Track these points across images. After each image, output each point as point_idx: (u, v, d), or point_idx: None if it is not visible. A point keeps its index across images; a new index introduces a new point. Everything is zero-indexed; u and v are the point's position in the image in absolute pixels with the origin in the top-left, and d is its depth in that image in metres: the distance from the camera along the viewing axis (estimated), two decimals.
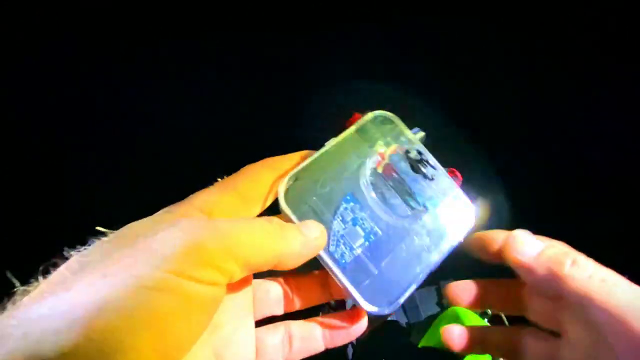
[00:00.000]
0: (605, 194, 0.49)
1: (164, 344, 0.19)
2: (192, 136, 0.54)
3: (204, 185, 0.29)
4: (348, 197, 0.30)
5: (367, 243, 0.29)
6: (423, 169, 0.31)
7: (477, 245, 0.30)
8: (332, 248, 0.28)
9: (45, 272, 0.21)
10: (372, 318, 0.29)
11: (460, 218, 0.31)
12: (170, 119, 0.54)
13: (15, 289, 0.20)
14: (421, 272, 0.29)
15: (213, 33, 0.52)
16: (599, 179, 0.49)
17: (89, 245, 0.22)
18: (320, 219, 0.29)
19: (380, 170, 0.31)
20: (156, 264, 0.19)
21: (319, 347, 0.29)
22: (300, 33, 0.52)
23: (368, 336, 0.29)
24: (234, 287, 0.25)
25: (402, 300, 0.29)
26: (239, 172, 0.28)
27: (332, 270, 0.28)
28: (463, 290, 0.31)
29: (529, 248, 0.27)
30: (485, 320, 0.45)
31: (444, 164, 0.32)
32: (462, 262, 0.31)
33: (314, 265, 0.28)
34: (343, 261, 0.29)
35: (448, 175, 0.31)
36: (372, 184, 0.30)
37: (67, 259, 0.22)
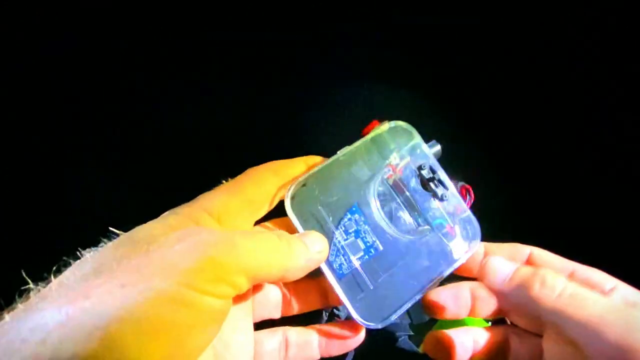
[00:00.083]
0: (608, 197, 0.49)
1: (176, 354, 0.20)
2: (192, 135, 0.54)
3: (204, 184, 0.29)
4: (354, 208, 0.29)
5: (366, 257, 0.29)
6: (434, 188, 0.30)
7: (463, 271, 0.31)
8: (331, 258, 0.29)
9: (57, 271, 0.21)
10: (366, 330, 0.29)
11: (464, 241, 0.30)
12: (170, 118, 0.54)
13: (26, 287, 0.20)
14: (418, 291, 0.29)
15: (213, 33, 0.52)
16: (601, 181, 0.49)
17: (101, 246, 0.22)
18: (323, 227, 0.29)
19: (390, 182, 0.31)
20: (174, 277, 0.20)
21: (314, 355, 0.30)
22: (301, 33, 0.52)
23: (369, 338, 0.29)
24: None
25: (394, 317, 0.28)
26: (243, 174, 0.28)
27: (329, 281, 0.28)
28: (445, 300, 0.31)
29: (499, 275, 0.27)
30: (489, 323, 0.45)
31: (457, 176, 0.31)
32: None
33: (313, 271, 0.28)
34: (340, 272, 0.29)
35: (459, 196, 0.31)
36: (380, 197, 0.30)
37: (78, 258, 0.22)
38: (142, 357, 0.18)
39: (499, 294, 0.27)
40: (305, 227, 0.28)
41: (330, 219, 0.29)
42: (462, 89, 0.52)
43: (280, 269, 0.24)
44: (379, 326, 0.28)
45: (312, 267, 0.26)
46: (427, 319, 0.54)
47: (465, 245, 0.30)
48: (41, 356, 0.17)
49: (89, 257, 0.21)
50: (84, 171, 0.52)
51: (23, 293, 0.20)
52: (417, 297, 0.29)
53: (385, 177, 0.31)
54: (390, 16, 0.52)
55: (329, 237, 0.29)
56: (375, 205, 0.30)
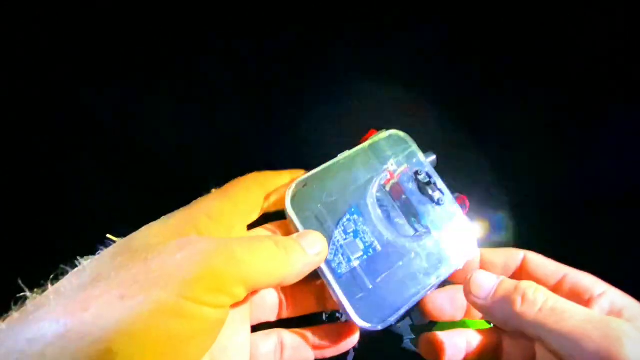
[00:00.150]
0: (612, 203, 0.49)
1: None
2: (192, 136, 0.54)
3: (204, 184, 0.29)
4: (353, 209, 0.30)
5: (365, 257, 0.29)
6: (431, 192, 0.31)
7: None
8: (330, 257, 0.29)
9: (55, 279, 0.21)
10: (365, 332, 0.29)
11: (461, 245, 0.30)
12: (170, 118, 0.54)
13: (22, 295, 0.20)
14: (415, 294, 0.29)
15: (213, 33, 0.52)
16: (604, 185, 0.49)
17: (98, 253, 0.22)
18: (322, 226, 0.29)
19: (388, 188, 0.31)
20: (173, 288, 0.20)
21: (309, 356, 0.30)
22: (301, 33, 0.52)
23: (370, 339, 0.29)
24: None
25: (393, 319, 0.29)
26: (231, 182, 0.28)
27: (327, 279, 0.28)
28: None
29: (483, 290, 0.27)
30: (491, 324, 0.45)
31: (457, 176, 0.32)
32: None
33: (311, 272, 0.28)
34: (339, 271, 0.29)
35: (455, 201, 0.31)
36: (378, 200, 0.31)
37: (75, 265, 0.22)
38: None
39: (484, 309, 0.28)
40: (305, 226, 0.29)
41: (330, 218, 0.29)
42: (462, 89, 0.52)
43: (278, 276, 0.24)
44: (378, 327, 0.28)
45: (311, 270, 0.26)
46: (428, 320, 0.54)
47: (462, 251, 0.31)
48: None
49: (87, 265, 0.21)
50: (84, 171, 0.52)
51: (19, 301, 0.20)
52: (415, 300, 0.29)
53: (383, 182, 0.31)
54: (390, 16, 0.52)
55: (328, 236, 0.29)
56: (373, 208, 0.30)
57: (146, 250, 0.21)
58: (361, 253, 0.29)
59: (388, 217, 0.30)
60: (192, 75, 0.53)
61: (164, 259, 0.21)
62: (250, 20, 0.52)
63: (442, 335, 0.32)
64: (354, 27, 0.53)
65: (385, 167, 0.31)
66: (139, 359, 0.18)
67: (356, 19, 0.52)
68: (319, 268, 0.28)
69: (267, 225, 0.29)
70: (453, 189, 0.32)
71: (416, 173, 0.31)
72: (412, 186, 0.31)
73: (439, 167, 0.32)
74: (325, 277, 0.28)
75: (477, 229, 0.31)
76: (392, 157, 0.31)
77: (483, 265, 0.31)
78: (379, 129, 0.32)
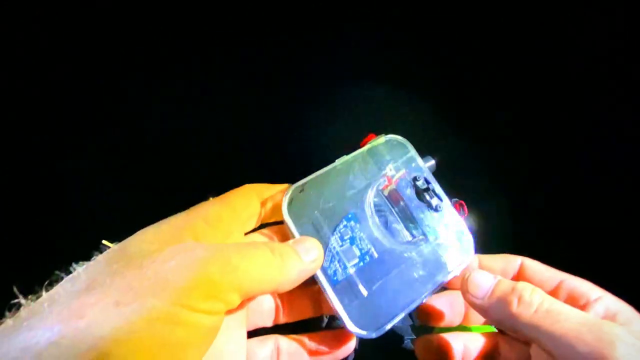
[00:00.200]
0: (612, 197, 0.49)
1: None
2: (192, 136, 0.54)
3: (203, 184, 0.29)
4: (350, 216, 0.30)
5: (361, 263, 0.29)
6: (429, 199, 0.30)
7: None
8: (326, 264, 0.28)
9: (49, 285, 0.21)
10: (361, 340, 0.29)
11: (458, 253, 0.30)
12: (170, 118, 0.54)
13: (16, 301, 0.20)
14: (412, 301, 0.29)
15: (214, 33, 0.52)
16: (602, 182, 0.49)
17: (93, 259, 0.22)
18: (319, 233, 0.29)
19: (386, 193, 0.31)
20: (167, 296, 0.20)
21: None
22: (301, 33, 0.52)
23: (371, 339, 0.29)
24: None
25: (388, 327, 0.28)
26: (229, 192, 0.28)
27: (322, 286, 0.28)
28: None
29: (480, 290, 0.28)
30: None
31: (456, 176, 0.32)
32: None
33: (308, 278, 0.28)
34: (335, 278, 0.28)
35: (454, 207, 0.31)
36: (375, 206, 0.30)
37: (69, 271, 0.21)
38: None
39: (480, 309, 0.28)
40: (301, 232, 0.28)
41: (326, 225, 0.29)
42: (462, 89, 0.52)
43: (273, 284, 0.24)
44: (373, 335, 0.28)
45: (307, 277, 0.26)
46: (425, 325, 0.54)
47: (459, 257, 0.30)
48: None
49: (81, 272, 0.21)
50: (84, 171, 0.52)
51: (13, 307, 0.20)
52: (412, 307, 0.29)
53: (381, 187, 0.31)
54: (390, 16, 0.52)
55: (325, 242, 0.28)
56: (371, 214, 0.30)
57: (141, 257, 0.21)
58: (357, 260, 0.29)
59: (385, 224, 0.30)
60: (192, 77, 0.53)
61: (159, 266, 0.21)
62: (250, 25, 0.52)
63: (438, 338, 0.32)
64: (354, 28, 0.53)
65: (383, 172, 0.31)
66: None
67: (356, 20, 0.52)
68: (315, 274, 0.28)
69: (264, 230, 0.29)
70: (451, 194, 0.31)
71: (414, 179, 0.31)
72: (410, 192, 0.31)
73: (437, 172, 0.32)
74: (320, 283, 0.28)
75: (479, 226, 0.31)
76: (391, 162, 0.31)
77: None
78: (378, 133, 0.32)
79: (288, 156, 0.53)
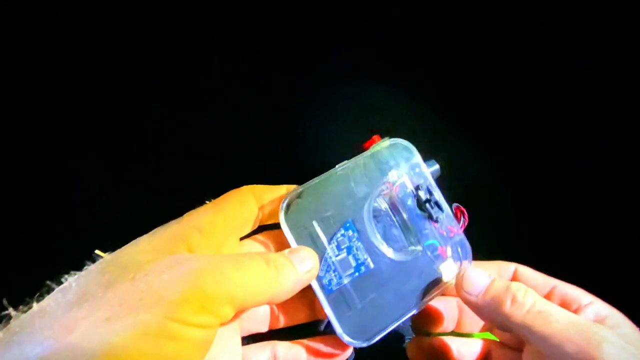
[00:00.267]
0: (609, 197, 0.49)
1: None
2: (192, 136, 0.54)
3: (203, 184, 0.29)
4: (348, 224, 0.29)
5: (356, 274, 0.29)
6: (429, 209, 0.30)
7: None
8: (321, 273, 0.28)
9: (40, 297, 0.20)
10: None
11: (455, 264, 0.30)
12: (170, 118, 0.54)
13: (6, 313, 0.20)
14: (405, 313, 0.29)
15: (214, 33, 0.52)
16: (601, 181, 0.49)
17: (85, 268, 0.22)
18: (315, 242, 0.28)
19: (386, 202, 0.30)
20: (159, 309, 0.19)
21: None
22: (301, 33, 0.52)
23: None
24: None
25: (379, 337, 0.28)
26: (225, 195, 0.28)
27: (317, 295, 0.28)
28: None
29: (474, 287, 0.28)
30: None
31: (455, 177, 0.31)
32: None
33: None
34: (329, 287, 0.28)
35: (454, 218, 0.31)
36: (375, 215, 0.30)
37: (61, 282, 0.21)
38: None
39: (474, 306, 0.28)
40: (298, 240, 0.28)
41: (323, 233, 0.28)
42: (462, 89, 0.52)
43: (267, 295, 0.24)
44: (364, 345, 0.28)
45: (301, 287, 0.26)
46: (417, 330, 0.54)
47: (455, 268, 0.30)
48: None
49: (73, 283, 0.21)
50: (84, 171, 0.52)
51: (3, 319, 0.20)
52: (405, 318, 0.29)
53: (382, 194, 0.30)
54: (390, 16, 0.52)
55: (321, 251, 0.28)
56: (369, 223, 0.30)
57: (134, 268, 0.21)
58: (352, 270, 0.29)
59: (384, 234, 0.30)
60: (192, 77, 0.53)
61: (151, 279, 0.20)
62: (251, 25, 0.52)
63: (430, 340, 0.33)
64: (354, 28, 0.53)
65: (385, 179, 0.30)
66: None
67: (356, 20, 0.52)
68: (310, 283, 0.28)
69: (260, 237, 0.29)
70: (451, 195, 0.31)
71: (417, 188, 0.30)
72: (411, 202, 0.30)
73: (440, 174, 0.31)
74: (315, 291, 0.28)
75: (478, 227, 0.31)
76: (394, 167, 0.31)
77: None
78: (380, 134, 0.32)
79: (288, 156, 0.53)
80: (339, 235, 0.29)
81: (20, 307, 0.20)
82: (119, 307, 0.19)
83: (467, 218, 0.30)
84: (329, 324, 0.38)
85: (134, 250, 0.23)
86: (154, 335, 0.19)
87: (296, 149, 0.53)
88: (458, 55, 0.52)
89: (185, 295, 0.20)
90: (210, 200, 0.27)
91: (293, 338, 0.30)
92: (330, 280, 0.28)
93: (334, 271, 0.28)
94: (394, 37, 0.52)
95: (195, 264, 0.21)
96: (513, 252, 0.33)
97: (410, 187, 0.30)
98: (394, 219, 0.30)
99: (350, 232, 0.29)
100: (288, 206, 0.28)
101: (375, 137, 0.31)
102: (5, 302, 0.20)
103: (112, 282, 0.20)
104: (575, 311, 0.28)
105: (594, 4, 0.47)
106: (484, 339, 0.34)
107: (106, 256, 0.23)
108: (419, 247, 0.30)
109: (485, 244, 0.33)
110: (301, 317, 0.31)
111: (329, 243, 0.29)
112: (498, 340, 0.33)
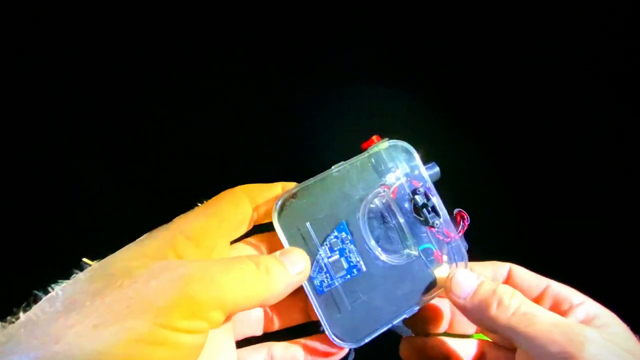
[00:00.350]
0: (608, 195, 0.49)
1: None
2: (192, 135, 0.54)
3: (203, 184, 0.29)
4: (341, 226, 0.29)
5: (348, 276, 0.29)
6: (426, 214, 0.29)
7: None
8: (313, 274, 0.28)
9: (27, 306, 0.20)
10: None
11: (450, 269, 0.30)
12: (170, 118, 0.54)
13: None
14: (396, 316, 0.29)
15: (214, 33, 0.52)
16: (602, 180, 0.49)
17: (73, 277, 0.22)
18: (308, 243, 0.28)
19: (382, 204, 0.30)
20: (148, 316, 0.19)
21: None
22: (301, 33, 0.52)
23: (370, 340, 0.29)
24: None
25: (369, 339, 0.29)
26: (218, 196, 0.27)
27: (308, 295, 0.28)
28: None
29: (462, 290, 0.29)
30: None
31: (455, 177, 0.31)
32: None
33: None
34: (320, 289, 0.28)
35: (451, 223, 0.30)
36: (369, 218, 0.29)
37: (48, 291, 0.21)
38: None
39: (462, 308, 0.29)
40: (290, 241, 0.28)
41: (316, 235, 0.28)
42: (462, 90, 0.52)
43: (259, 299, 0.24)
44: (353, 346, 0.28)
45: (293, 289, 0.26)
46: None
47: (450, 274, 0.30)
48: None
49: (60, 292, 0.21)
50: (84, 171, 0.52)
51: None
52: (396, 322, 0.29)
53: (378, 197, 0.30)
54: (390, 17, 0.52)
55: (313, 253, 0.28)
56: (364, 226, 0.29)
57: (122, 276, 0.21)
58: (344, 272, 0.29)
59: (378, 236, 0.29)
60: (192, 77, 0.53)
61: (140, 286, 0.20)
62: (251, 25, 0.52)
63: (424, 340, 0.33)
64: (354, 28, 0.53)
65: (382, 181, 0.30)
66: None
67: (356, 20, 0.52)
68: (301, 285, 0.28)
69: (251, 239, 0.29)
70: (451, 195, 0.31)
71: (414, 192, 0.30)
72: (407, 205, 0.30)
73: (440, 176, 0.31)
74: (306, 292, 0.28)
75: (478, 227, 0.31)
76: (392, 170, 0.30)
77: None
78: (379, 134, 0.31)
79: (288, 156, 0.53)
80: (332, 237, 0.29)
81: (8, 317, 0.20)
82: (107, 314, 0.19)
83: (467, 224, 0.30)
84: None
85: (122, 257, 0.23)
86: (143, 341, 0.19)
87: (296, 149, 0.53)
88: (458, 55, 0.52)
89: (174, 302, 0.20)
90: (202, 202, 0.27)
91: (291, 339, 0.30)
92: (321, 282, 0.28)
93: (326, 273, 0.28)
94: (394, 37, 0.52)
95: (184, 270, 0.21)
96: (511, 252, 0.33)
97: (407, 191, 0.30)
98: (390, 223, 0.30)
99: (343, 234, 0.29)
100: (282, 207, 0.28)
101: (374, 137, 0.31)
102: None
103: (99, 290, 0.20)
104: (567, 311, 0.29)
105: (594, 4, 0.47)
106: (479, 340, 0.34)
107: (94, 264, 0.22)
108: (414, 251, 0.30)
109: (484, 244, 0.33)
110: (295, 319, 0.31)
111: (322, 245, 0.28)
112: (491, 341, 0.34)
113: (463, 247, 0.30)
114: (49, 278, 0.22)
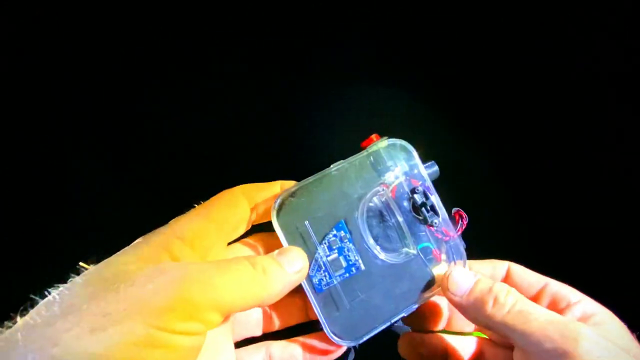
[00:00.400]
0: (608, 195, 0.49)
1: None
2: (192, 136, 0.54)
3: (203, 184, 0.29)
4: (340, 225, 0.29)
5: (347, 275, 0.29)
6: (425, 213, 0.30)
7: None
8: (311, 272, 0.28)
9: (24, 311, 0.20)
10: None
11: (449, 268, 0.30)
12: (170, 118, 0.54)
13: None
14: (394, 315, 0.29)
15: (214, 33, 0.52)
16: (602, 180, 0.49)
17: (70, 281, 0.22)
18: (306, 242, 0.28)
19: (381, 203, 0.30)
20: (144, 319, 0.19)
21: None
22: (301, 33, 0.52)
23: (370, 338, 0.29)
24: None
25: (366, 338, 0.29)
26: (215, 197, 0.27)
27: (306, 293, 0.28)
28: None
29: (459, 288, 0.29)
30: None
31: (455, 177, 0.31)
32: None
33: None
34: (319, 287, 0.28)
35: (450, 222, 0.30)
36: (368, 217, 0.30)
37: (44, 295, 0.21)
38: None
39: (459, 306, 0.29)
40: (289, 240, 0.28)
41: (315, 233, 0.28)
42: (462, 90, 0.52)
43: (256, 299, 0.24)
44: (352, 345, 0.29)
45: (290, 289, 0.26)
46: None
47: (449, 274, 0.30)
48: None
49: (57, 296, 0.21)
50: (84, 171, 0.52)
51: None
52: (394, 320, 0.29)
53: (377, 196, 0.30)
54: (390, 16, 0.52)
55: (311, 252, 0.28)
56: (362, 224, 0.29)
57: (118, 280, 0.21)
58: (343, 271, 0.29)
59: (377, 235, 0.30)
60: (192, 77, 0.53)
61: (136, 289, 0.20)
62: (250, 25, 0.52)
63: (422, 336, 0.33)
64: (354, 28, 0.53)
65: (381, 179, 0.30)
66: None
67: (356, 20, 0.52)
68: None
69: (248, 240, 0.29)
70: (450, 194, 0.31)
71: (412, 191, 0.30)
72: (406, 204, 0.30)
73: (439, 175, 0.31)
74: (305, 290, 0.28)
75: (477, 226, 0.31)
76: (391, 169, 0.30)
77: None
78: (379, 133, 0.31)
79: (288, 156, 0.53)
80: (330, 235, 0.29)
81: (5, 322, 0.20)
82: (103, 317, 0.19)
83: (465, 223, 0.30)
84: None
85: (118, 261, 0.23)
86: (140, 344, 0.19)
87: (296, 149, 0.53)
88: (458, 55, 0.52)
89: (170, 304, 0.20)
90: (199, 204, 0.27)
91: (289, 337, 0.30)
92: (320, 280, 0.28)
93: (325, 271, 0.29)
94: (394, 37, 0.53)
95: (180, 272, 0.21)
96: (511, 252, 0.33)
97: (406, 190, 0.30)
98: (389, 222, 0.30)
99: (342, 233, 0.29)
100: (281, 206, 0.28)
101: (373, 136, 0.31)
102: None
103: (96, 293, 0.20)
104: (564, 309, 0.29)
105: (594, 4, 0.47)
106: (478, 337, 0.34)
107: (90, 268, 0.22)
108: (413, 250, 0.30)
109: (483, 244, 0.33)
110: (294, 318, 0.31)
111: (320, 243, 0.29)
112: (489, 338, 0.34)
113: (461, 245, 0.31)
114: (49, 278, 0.22)
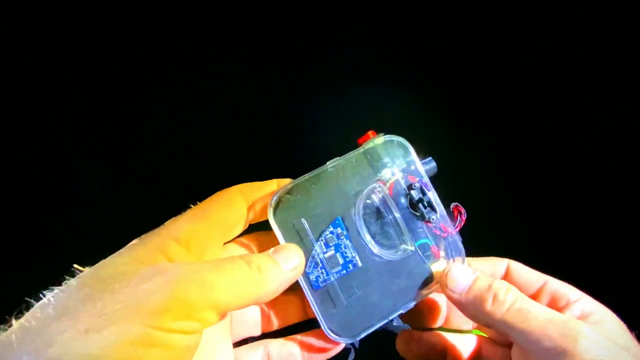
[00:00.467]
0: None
1: None
2: (192, 135, 0.54)
3: (203, 184, 0.29)
4: (337, 222, 0.29)
5: (344, 271, 0.29)
6: (422, 209, 0.29)
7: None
8: (308, 269, 0.28)
9: (20, 313, 0.20)
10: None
11: (447, 265, 0.30)
12: (170, 118, 0.54)
13: None
14: (390, 313, 0.29)
15: (213, 33, 0.52)
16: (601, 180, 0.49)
17: (65, 283, 0.22)
18: (303, 239, 0.28)
19: (378, 200, 0.30)
20: (139, 319, 0.19)
21: None
22: (301, 33, 0.53)
23: (370, 337, 0.29)
24: None
25: (364, 335, 0.29)
26: (211, 198, 0.27)
27: (303, 290, 0.28)
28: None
29: (458, 285, 0.29)
30: None
31: (455, 177, 0.31)
32: None
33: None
34: (316, 284, 0.28)
35: (447, 218, 0.30)
36: (365, 213, 0.29)
37: (39, 298, 0.21)
38: None
39: (458, 303, 0.29)
40: (286, 237, 0.28)
41: (312, 230, 0.28)
42: (461, 89, 0.52)
43: (252, 297, 0.24)
44: (349, 342, 0.28)
45: (287, 286, 0.26)
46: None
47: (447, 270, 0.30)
48: None
49: (52, 298, 0.21)
50: (84, 171, 0.52)
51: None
52: (391, 317, 0.29)
53: (374, 193, 0.30)
54: (389, 16, 0.52)
55: (308, 248, 0.28)
56: (359, 221, 0.29)
57: (113, 281, 0.21)
58: (340, 268, 0.29)
59: (374, 232, 0.29)
60: (192, 77, 0.53)
61: (131, 289, 0.20)
62: (250, 25, 0.52)
63: (420, 334, 0.33)
64: (354, 28, 0.53)
65: (378, 176, 0.30)
66: None
67: (356, 20, 0.52)
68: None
69: (243, 239, 0.29)
70: (449, 194, 0.31)
71: (409, 187, 0.30)
72: (404, 201, 0.30)
73: (437, 171, 0.31)
74: (301, 287, 0.28)
75: (477, 226, 0.31)
76: (387, 165, 0.30)
77: None
78: (377, 131, 0.31)
79: (288, 156, 0.53)
80: (327, 232, 0.29)
81: (1, 326, 0.20)
82: (99, 318, 0.19)
83: (464, 218, 0.30)
84: None
85: (113, 262, 0.23)
86: (136, 343, 0.19)
87: (296, 149, 0.53)
88: (458, 55, 0.52)
89: (165, 303, 0.20)
90: (195, 204, 0.27)
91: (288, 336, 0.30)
92: (317, 277, 0.28)
93: (322, 268, 0.29)
94: (394, 37, 0.53)
95: (175, 272, 0.21)
96: (511, 252, 0.33)
97: (403, 186, 0.30)
98: (386, 218, 0.30)
99: (339, 230, 0.29)
100: (277, 203, 0.28)
101: (370, 132, 0.31)
102: None
103: (91, 294, 0.20)
104: (564, 307, 0.29)
105: (594, 4, 0.47)
106: (476, 335, 0.34)
107: (85, 270, 0.22)
108: (411, 247, 0.30)
109: (483, 242, 0.33)
110: (293, 317, 0.31)
111: (317, 240, 0.28)
112: (487, 336, 0.34)
113: (460, 242, 0.30)
114: (49, 278, 0.22)
